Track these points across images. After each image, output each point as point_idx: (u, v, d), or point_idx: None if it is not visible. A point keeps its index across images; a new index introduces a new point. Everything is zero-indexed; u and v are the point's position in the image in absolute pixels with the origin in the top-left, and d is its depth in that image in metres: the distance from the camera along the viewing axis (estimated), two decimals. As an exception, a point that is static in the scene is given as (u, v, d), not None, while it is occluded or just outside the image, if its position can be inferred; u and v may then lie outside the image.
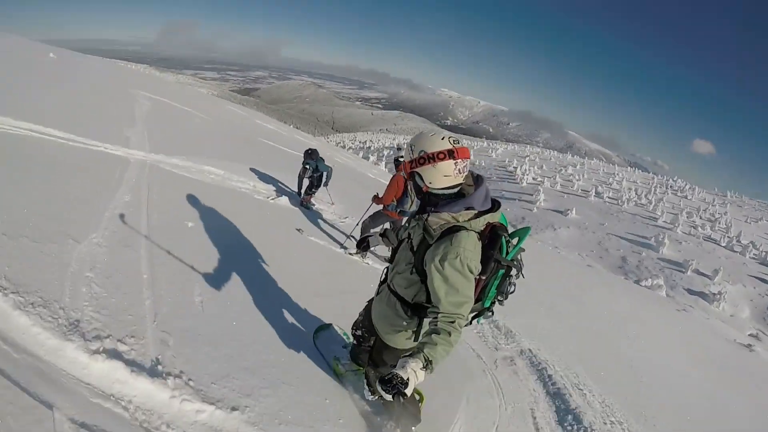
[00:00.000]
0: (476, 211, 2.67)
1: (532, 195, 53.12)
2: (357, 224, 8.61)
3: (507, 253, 2.74)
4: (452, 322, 2.51)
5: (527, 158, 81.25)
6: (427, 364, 2.35)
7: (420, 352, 2.38)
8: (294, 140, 26.18)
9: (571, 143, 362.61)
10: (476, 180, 2.81)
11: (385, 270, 3.37)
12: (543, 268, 15.12)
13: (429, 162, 2.62)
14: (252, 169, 11.28)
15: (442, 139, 2.65)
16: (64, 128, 8.28)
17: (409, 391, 2.23)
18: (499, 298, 2.95)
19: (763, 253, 46.09)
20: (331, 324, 4.86)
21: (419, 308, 3.00)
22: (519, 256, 2.91)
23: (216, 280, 4.75)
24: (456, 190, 2.73)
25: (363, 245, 3.78)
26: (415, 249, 2.85)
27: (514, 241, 2.84)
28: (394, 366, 3.00)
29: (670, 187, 78.40)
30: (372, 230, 7.97)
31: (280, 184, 11.30)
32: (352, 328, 3.93)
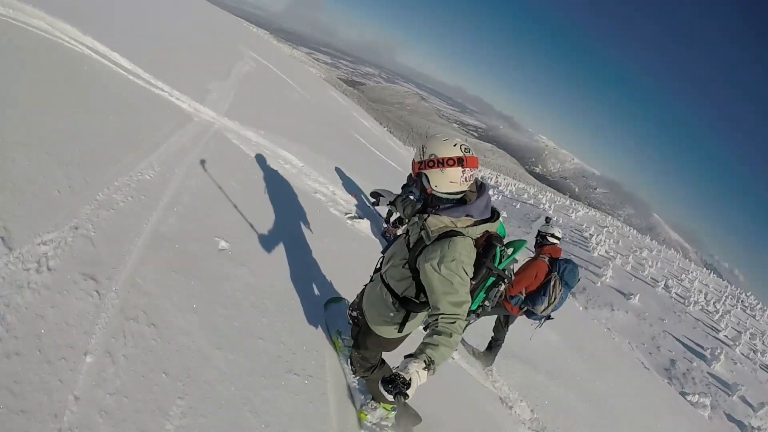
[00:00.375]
0: (475, 219, 2.74)
1: (600, 268, 51.68)
2: None
3: (500, 262, 2.84)
4: (453, 323, 2.54)
5: (606, 229, 79.12)
6: (429, 365, 2.38)
7: (422, 353, 2.42)
8: (384, 144, 24.81)
9: (652, 226, 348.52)
10: (480, 188, 2.84)
11: (381, 258, 3.44)
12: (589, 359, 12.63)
13: (438, 166, 2.66)
14: (336, 169, 9.54)
15: (454, 145, 2.68)
16: (134, 60, 7.14)
17: (411, 392, 2.27)
18: (485, 303, 3.02)
19: None
20: (343, 299, 4.96)
21: (407, 302, 3.08)
22: (511, 266, 3.06)
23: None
24: (459, 196, 2.78)
25: (375, 198, 4.02)
26: (410, 246, 2.91)
27: (509, 251, 2.92)
28: (374, 352, 3.37)
29: (742, 301, 74.36)
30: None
31: (363, 197, 9.21)
32: (349, 309, 4.02)
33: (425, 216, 2.79)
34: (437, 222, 2.73)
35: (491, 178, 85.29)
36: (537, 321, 5.82)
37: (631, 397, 11.31)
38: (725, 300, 67.76)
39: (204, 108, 7.41)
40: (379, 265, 3.44)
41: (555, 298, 5.48)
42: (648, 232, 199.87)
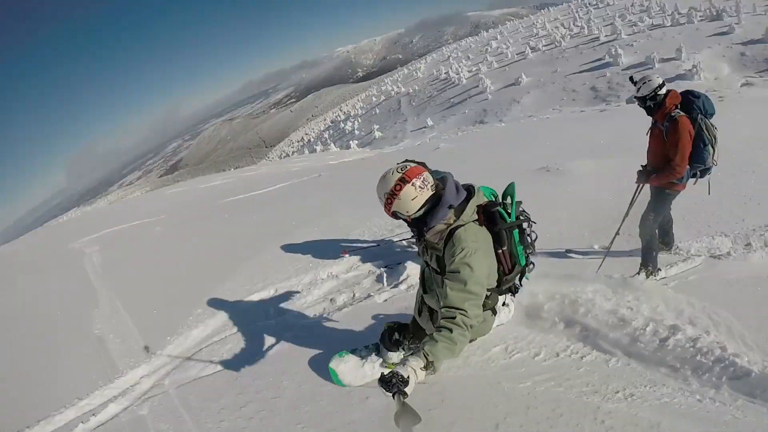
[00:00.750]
0: (455, 207, 2.73)
1: (477, 86, 52.45)
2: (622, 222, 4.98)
3: (509, 215, 2.85)
4: (453, 318, 2.52)
5: (450, 58, 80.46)
6: (428, 363, 2.39)
7: (421, 351, 2.43)
8: (244, 179, 20.72)
9: (476, 23, 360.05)
10: (441, 180, 2.79)
11: (420, 298, 3.33)
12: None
13: (393, 198, 2.66)
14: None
15: (391, 174, 2.70)
16: None
17: (409, 390, 2.27)
18: (528, 251, 3.04)
19: (707, 12, 47.23)
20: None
21: None
22: (521, 208, 3.04)
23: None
24: (432, 201, 2.72)
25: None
26: (438, 270, 2.88)
27: (508, 201, 2.95)
28: None
29: (589, 4, 78.67)
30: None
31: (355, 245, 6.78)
32: (396, 337, 3.56)
33: (423, 240, 2.87)
34: (435, 234, 2.77)
35: (349, 119, 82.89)
36: (708, 174, 4.73)
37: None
38: (578, 14, 71.33)
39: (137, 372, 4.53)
40: (419, 306, 3.36)
41: (713, 138, 4.43)
42: (477, 30, 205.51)
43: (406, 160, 2.78)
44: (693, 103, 4.41)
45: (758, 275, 4.15)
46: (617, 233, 4.89)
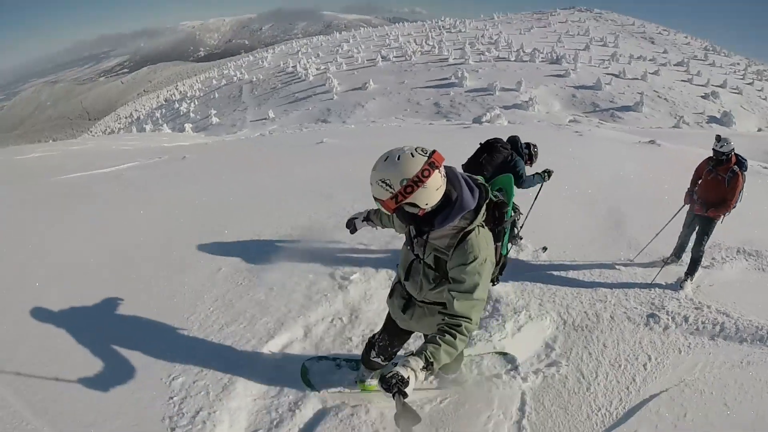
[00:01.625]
0: (472, 211, 2.49)
1: (324, 85, 51.42)
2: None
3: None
4: (458, 326, 2.42)
5: (299, 52, 78.89)
6: (428, 365, 2.28)
7: (423, 352, 2.31)
8: (72, 154, 16.66)
9: (329, 23, 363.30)
10: (452, 175, 2.50)
11: (403, 289, 3.08)
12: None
13: (418, 186, 2.26)
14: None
15: (412, 156, 2.26)
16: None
17: (409, 391, 2.17)
18: (512, 243, 3.63)
19: (549, 55, 56.01)
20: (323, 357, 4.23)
21: None
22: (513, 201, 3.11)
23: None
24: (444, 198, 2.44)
25: (350, 227, 3.58)
26: (434, 266, 2.69)
27: (502, 196, 2.83)
28: None
29: (443, 27, 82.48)
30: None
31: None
32: (374, 356, 3.55)
33: (425, 238, 2.61)
34: (442, 236, 2.54)
35: (185, 100, 76.44)
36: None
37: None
38: (431, 33, 74.96)
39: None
40: (406, 296, 3.09)
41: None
42: (329, 31, 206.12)
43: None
44: (743, 165, 5.73)
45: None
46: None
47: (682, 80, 54.65)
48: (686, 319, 4.78)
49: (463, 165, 5.22)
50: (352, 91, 48.17)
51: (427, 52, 59.91)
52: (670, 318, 4.78)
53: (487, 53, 57.24)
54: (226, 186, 9.16)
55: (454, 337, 2.39)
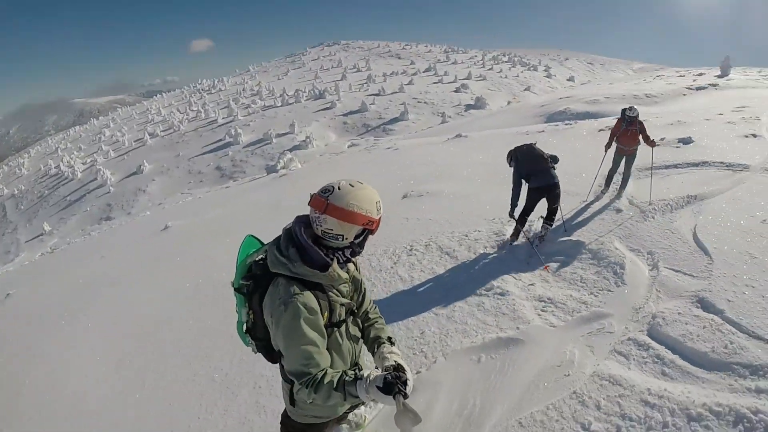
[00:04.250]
0: None
1: (96, 179, 47.65)
2: None
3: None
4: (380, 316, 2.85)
5: (59, 150, 73.15)
6: (392, 342, 2.60)
7: (387, 341, 2.60)
8: None
9: (80, 111, 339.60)
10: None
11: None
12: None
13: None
14: None
15: (363, 184, 2.30)
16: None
17: (409, 391, 2.23)
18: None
19: (311, 92, 59.92)
20: None
21: None
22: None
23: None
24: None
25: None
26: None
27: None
28: None
29: (201, 90, 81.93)
30: None
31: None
32: None
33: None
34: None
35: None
36: None
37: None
38: (192, 100, 73.82)
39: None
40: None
41: None
42: (82, 119, 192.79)
43: None
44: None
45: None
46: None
47: (434, 83, 63.59)
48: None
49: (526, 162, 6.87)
50: (128, 178, 45.39)
51: (194, 118, 58.91)
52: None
53: (253, 105, 58.17)
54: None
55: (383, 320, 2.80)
